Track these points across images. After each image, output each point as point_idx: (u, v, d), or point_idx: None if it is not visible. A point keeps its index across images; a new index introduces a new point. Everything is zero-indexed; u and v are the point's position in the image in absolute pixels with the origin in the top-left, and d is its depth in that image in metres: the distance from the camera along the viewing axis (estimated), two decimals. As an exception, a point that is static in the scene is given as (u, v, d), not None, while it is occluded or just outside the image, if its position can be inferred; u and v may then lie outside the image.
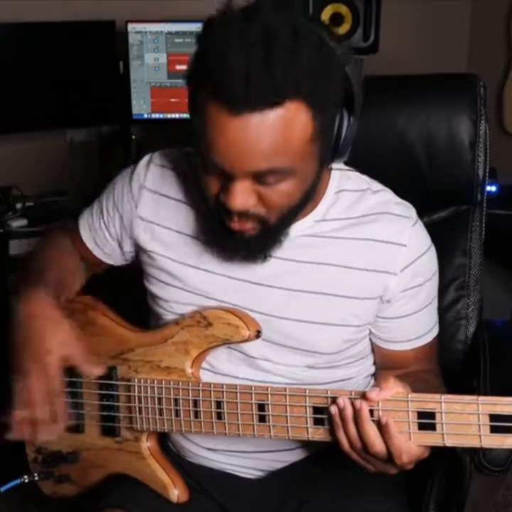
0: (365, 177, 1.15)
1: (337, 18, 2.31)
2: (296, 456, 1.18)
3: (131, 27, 2.31)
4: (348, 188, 1.13)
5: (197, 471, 1.20)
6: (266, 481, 1.19)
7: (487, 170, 1.41)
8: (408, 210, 1.13)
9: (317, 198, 1.09)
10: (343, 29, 2.32)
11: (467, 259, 1.41)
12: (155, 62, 2.33)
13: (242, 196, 0.96)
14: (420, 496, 1.15)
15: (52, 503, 1.29)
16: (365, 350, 1.18)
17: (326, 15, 2.30)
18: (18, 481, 1.20)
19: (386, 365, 1.19)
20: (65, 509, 1.32)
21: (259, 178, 0.95)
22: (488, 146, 1.40)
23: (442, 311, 1.37)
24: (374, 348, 1.19)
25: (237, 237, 1.02)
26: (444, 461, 1.16)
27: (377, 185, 1.15)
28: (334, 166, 1.11)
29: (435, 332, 1.20)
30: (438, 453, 0.97)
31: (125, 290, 1.33)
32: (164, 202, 1.16)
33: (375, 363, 1.22)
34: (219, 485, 1.19)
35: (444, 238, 1.39)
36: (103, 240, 1.25)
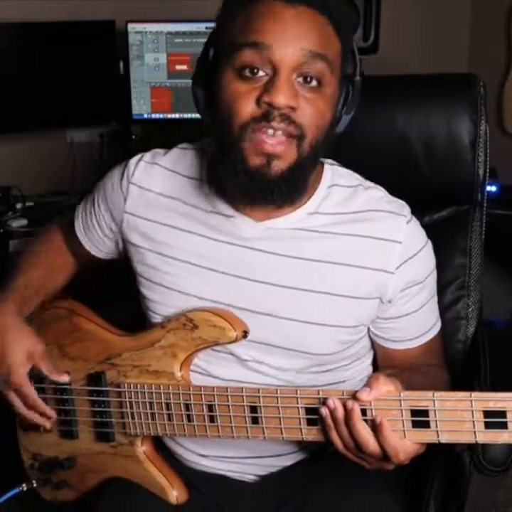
0: (355, 174, 1.15)
1: (337, 18, 2.31)
2: (290, 460, 1.17)
3: (131, 27, 2.31)
4: (340, 184, 1.12)
5: (193, 473, 1.19)
6: (264, 483, 1.18)
7: (487, 170, 1.40)
8: (402, 207, 1.12)
9: (311, 190, 1.09)
10: (343, 29, 2.32)
11: (467, 259, 1.41)
12: (155, 62, 2.32)
13: (288, 91, 0.96)
14: (420, 495, 1.15)
15: (52, 507, 1.28)
16: (361, 351, 1.17)
17: (326, 15, 2.30)
18: (16, 490, 1.19)
19: (389, 364, 1.18)
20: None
21: (303, 73, 0.97)
22: (488, 146, 1.40)
23: (442, 310, 1.36)
24: (376, 349, 1.18)
25: (261, 175, 0.99)
26: (444, 461, 1.16)
27: (368, 183, 1.15)
28: (327, 162, 1.13)
29: (438, 326, 1.20)
30: (437, 452, 0.97)
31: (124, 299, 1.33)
32: (151, 196, 1.16)
33: (373, 363, 1.21)
34: (216, 488, 1.18)
35: (444, 238, 1.39)
36: (95, 235, 1.26)
